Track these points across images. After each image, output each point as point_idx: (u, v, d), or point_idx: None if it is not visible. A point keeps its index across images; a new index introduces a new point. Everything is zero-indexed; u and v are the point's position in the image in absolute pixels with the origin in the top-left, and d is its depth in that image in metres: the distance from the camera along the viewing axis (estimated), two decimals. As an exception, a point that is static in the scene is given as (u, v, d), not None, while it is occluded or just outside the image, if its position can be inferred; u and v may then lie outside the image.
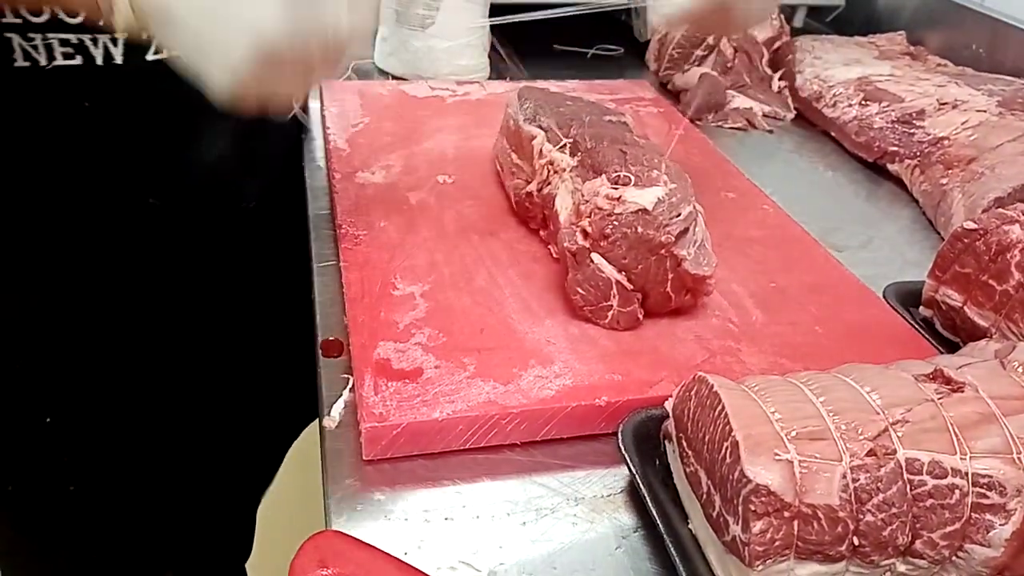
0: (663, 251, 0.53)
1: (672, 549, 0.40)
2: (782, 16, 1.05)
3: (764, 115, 0.96)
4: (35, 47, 0.50)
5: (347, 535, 0.39)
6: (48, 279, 0.61)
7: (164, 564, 0.83)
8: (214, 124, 0.62)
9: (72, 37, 0.51)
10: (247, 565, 1.19)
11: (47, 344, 0.63)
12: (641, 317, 0.55)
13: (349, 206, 0.65)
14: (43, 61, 0.51)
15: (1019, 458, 0.37)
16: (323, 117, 0.80)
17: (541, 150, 0.61)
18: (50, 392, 0.65)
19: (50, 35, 0.50)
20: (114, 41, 0.52)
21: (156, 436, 0.73)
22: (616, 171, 0.55)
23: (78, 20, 0.50)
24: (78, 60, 0.52)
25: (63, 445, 0.67)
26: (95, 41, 0.52)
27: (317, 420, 0.50)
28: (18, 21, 0.49)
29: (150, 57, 0.54)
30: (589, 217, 0.54)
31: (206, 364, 0.74)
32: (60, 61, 0.51)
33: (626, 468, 0.44)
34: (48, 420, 0.65)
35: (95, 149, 0.57)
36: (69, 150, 0.56)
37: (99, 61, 0.53)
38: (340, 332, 0.54)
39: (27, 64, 0.51)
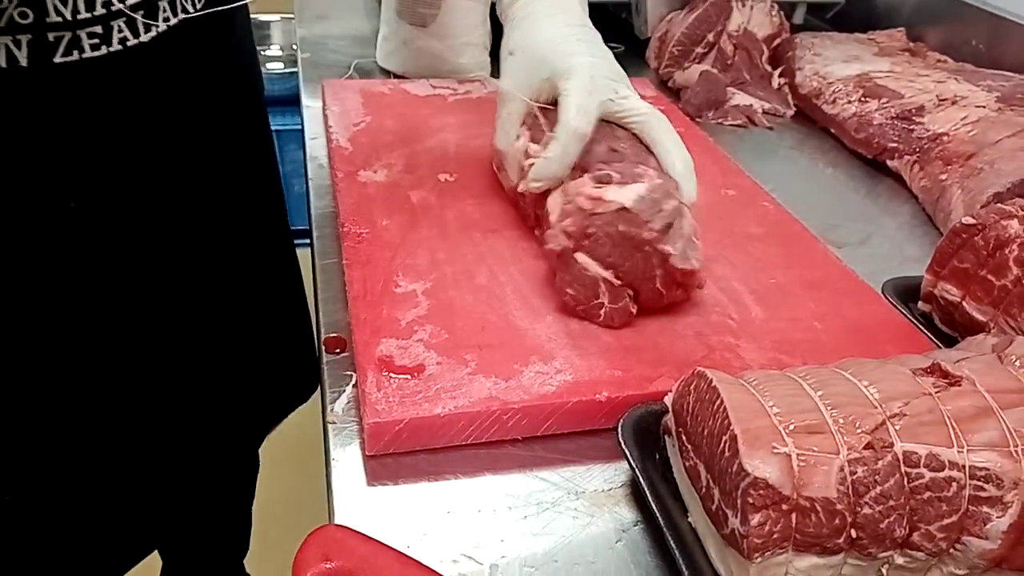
0: (647, 247, 0.53)
1: (672, 542, 0.40)
2: (782, 13, 1.05)
3: (764, 112, 0.96)
4: None
5: (350, 529, 0.39)
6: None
7: (163, 561, 0.83)
8: (129, 126, 0.60)
9: None
10: (245, 561, 1.20)
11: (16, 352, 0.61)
12: (634, 311, 0.55)
13: (351, 204, 0.66)
14: None
15: (1016, 451, 0.38)
16: (325, 116, 0.81)
17: (527, 150, 0.62)
18: (26, 399, 0.64)
19: None
20: (17, 43, 0.50)
21: (142, 435, 0.72)
22: (600, 169, 0.56)
23: None
24: None
25: (51, 447, 0.66)
26: None
27: (319, 414, 0.51)
28: None
29: (57, 60, 0.52)
30: (571, 217, 0.54)
31: (181, 362, 0.73)
32: None
33: (626, 463, 0.45)
34: (29, 425, 0.64)
35: (8, 155, 0.54)
36: None
37: (3, 63, 0.50)
38: (343, 329, 0.55)
39: None
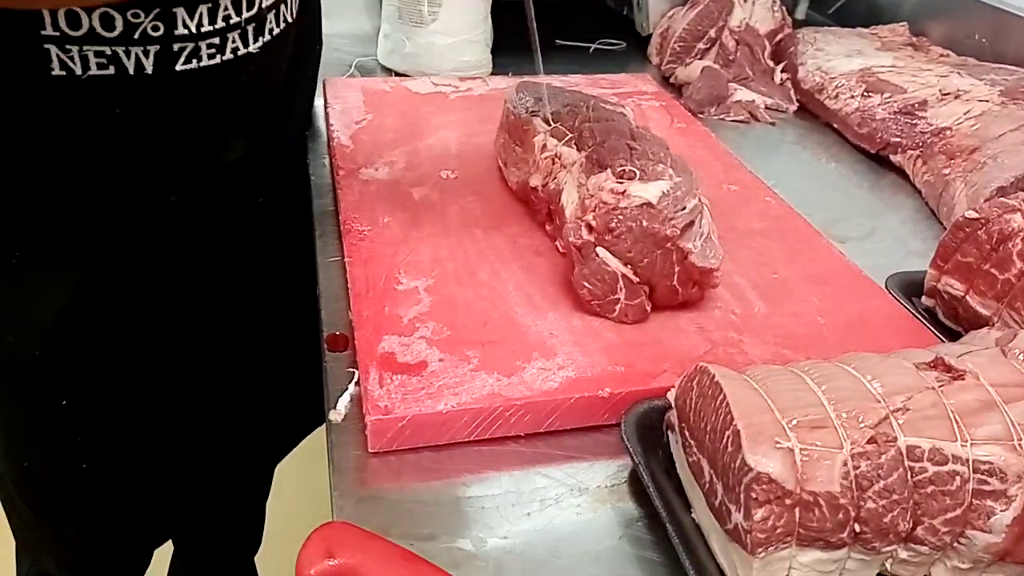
0: (669, 244, 0.53)
1: (675, 538, 0.40)
2: (784, 8, 1.05)
3: (766, 107, 0.96)
4: (72, 58, 0.52)
5: (353, 526, 0.39)
6: (76, 274, 0.63)
7: (175, 552, 0.85)
8: (232, 127, 0.64)
9: (107, 49, 0.53)
10: (255, 559, 1.21)
11: (67, 332, 0.65)
12: (649, 309, 0.55)
13: (353, 202, 0.66)
14: (78, 71, 0.53)
15: (1020, 444, 0.38)
16: (326, 114, 0.81)
17: (545, 145, 0.62)
18: (68, 378, 0.68)
19: (86, 47, 0.52)
20: (146, 53, 0.54)
21: (169, 428, 0.75)
22: (621, 165, 0.56)
23: (114, 34, 0.52)
24: (111, 70, 0.54)
25: (77, 427, 0.70)
26: (128, 53, 0.54)
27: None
28: (56, 34, 0.51)
29: (179, 68, 0.56)
30: (594, 211, 0.54)
31: (222, 358, 0.76)
32: (94, 71, 0.53)
33: (629, 458, 0.45)
34: (64, 403, 0.68)
35: (122, 152, 0.59)
36: (99, 153, 0.58)
37: (131, 71, 0.54)
38: (345, 327, 0.55)
39: (63, 73, 0.53)
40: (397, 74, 0.95)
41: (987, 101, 0.82)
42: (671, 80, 1.02)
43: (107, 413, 0.70)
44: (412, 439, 0.47)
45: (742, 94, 0.96)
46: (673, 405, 0.45)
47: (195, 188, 0.64)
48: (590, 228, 0.54)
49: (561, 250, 0.61)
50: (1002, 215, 0.55)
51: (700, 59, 1.00)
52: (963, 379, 0.40)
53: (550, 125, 0.63)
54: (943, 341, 0.56)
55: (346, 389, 0.50)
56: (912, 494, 0.37)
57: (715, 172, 0.76)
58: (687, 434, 0.43)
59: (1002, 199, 0.57)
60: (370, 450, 0.47)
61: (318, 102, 0.86)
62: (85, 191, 0.60)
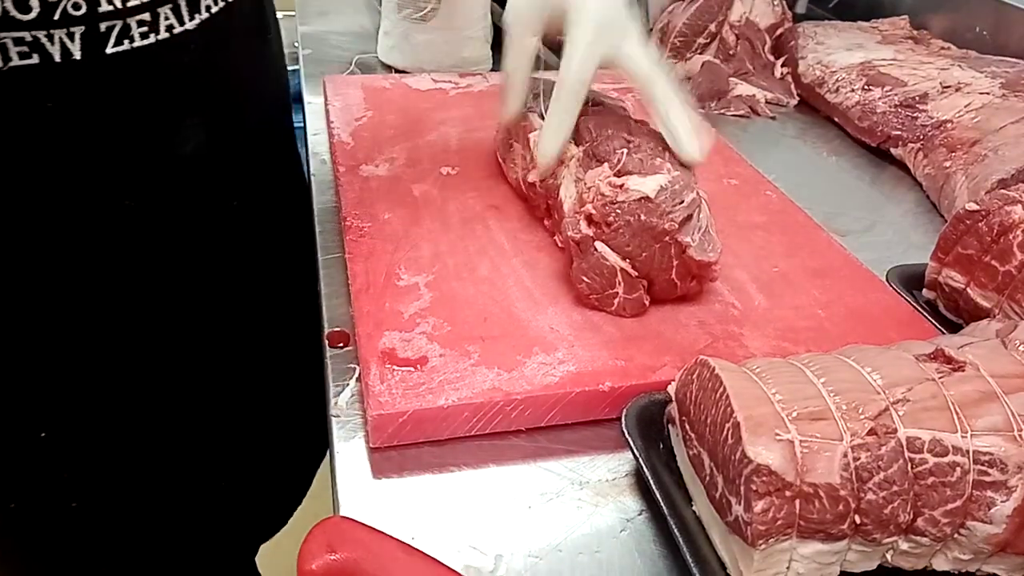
0: (667, 238, 0.53)
1: (676, 531, 0.40)
2: (784, 2, 1.05)
3: (767, 102, 0.96)
4: None
5: (355, 520, 0.39)
6: (28, 290, 0.58)
7: (172, 564, 0.83)
8: (183, 118, 0.60)
9: (26, 35, 0.48)
10: (257, 562, 1.20)
11: (33, 356, 0.61)
12: (647, 302, 0.55)
13: (353, 199, 0.66)
14: None
15: (1020, 435, 0.38)
16: (327, 111, 0.81)
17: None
18: (42, 405, 0.63)
19: (2, 34, 0.48)
20: (71, 36, 0.50)
21: (158, 441, 0.72)
22: (619, 159, 0.56)
23: (31, 16, 0.48)
24: (35, 59, 0.49)
25: (61, 458, 0.66)
26: (51, 38, 0.49)
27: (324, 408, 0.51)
28: None
29: (109, 50, 0.52)
30: (592, 204, 0.54)
31: (204, 364, 0.73)
32: (16, 62, 0.49)
33: (630, 452, 0.45)
34: (43, 435, 0.64)
35: (63, 152, 0.54)
36: (35, 154, 0.53)
37: (57, 58, 0.50)
38: (346, 323, 0.55)
39: None
40: (397, 71, 0.95)
41: (988, 94, 0.82)
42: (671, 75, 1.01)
43: (93, 438, 0.66)
44: (413, 434, 0.47)
45: (742, 88, 0.96)
46: (673, 399, 0.45)
47: (150, 188, 0.59)
48: (588, 222, 0.54)
49: (560, 245, 0.61)
50: (1003, 207, 0.55)
51: (700, 54, 0.99)
52: (963, 370, 0.40)
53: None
54: (944, 333, 0.56)
55: (347, 385, 0.50)
56: (912, 485, 0.37)
57: (715, 166, 0.76)
58: (687, 427, 0.43)
59: (1003, 191, 0.57)
60: (371, 445, 0.47)
61: (318, 100, 0.86)
62: (23, 199, 0.55)
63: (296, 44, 1.05)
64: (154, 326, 0.66)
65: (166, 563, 0.79)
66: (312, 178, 0.74)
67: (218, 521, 0.84)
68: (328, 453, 0.48)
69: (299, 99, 0.91)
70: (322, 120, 0.81)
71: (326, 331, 0.55)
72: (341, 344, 0.54)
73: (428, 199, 0.67)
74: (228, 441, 0.79)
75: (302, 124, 0.85)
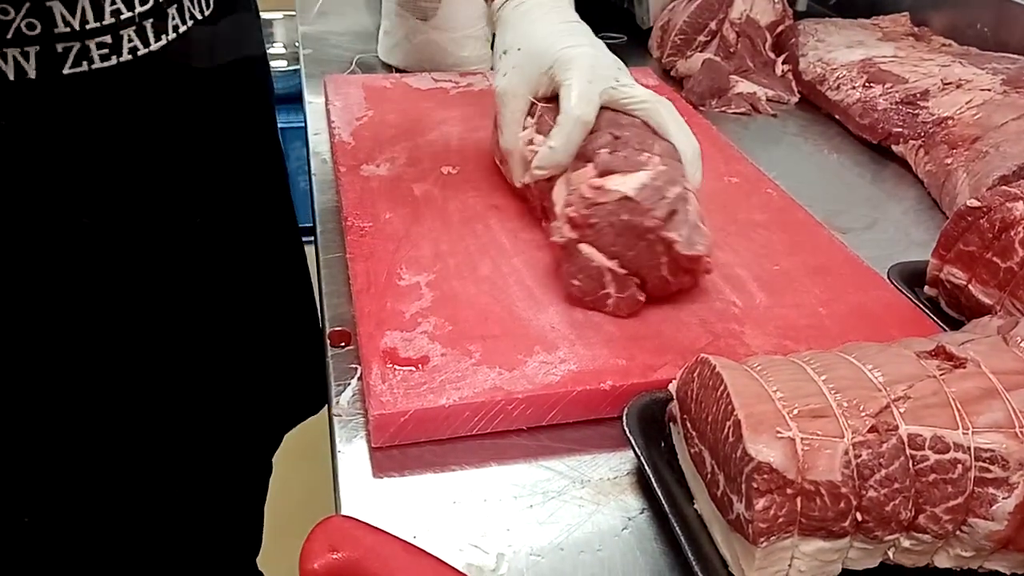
0: (651, 236, 0.53)
1: (677, 529, 0.40)
2: (784, 0, 1.05)
3: (768, 99, 0.96)
4: None
5: (356, 520, 0.39)
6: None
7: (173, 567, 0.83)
8: (140, 137, 0.59)
9: None
10: (258, 560, 1.20)
11: (27, 365, 0.60)
12: (642, 299, 0.55)
13: (354, 198, 0.66)
14: None
15: (1021, 432, 0.38)
16: (327, 111, 0.81)
17: (531, 139, 0.61)
18: (44, 413, 0.63)
19: None
20: (25, 55, 0.49)
21: (158, 446, 0.71)
22: (603, 158, 0.55)
23: None
24: None
25: (61, 467, 0.66)
26: (3, 56, 0.48)
27: (325, 410, 0.51)
28: None
29: (67, 71, 0.51)
30: (573, 207, 0.54)
31: (194, 368, 0.72)
32: None
33: (631, 451, 0.45)
34: (42, 445, 0.63)
35: (17, 168, 0.53)
36: None
37: (11, 76, 0.49)
38: (347, 323, 0.55)
39: None
40: (398, 70, 0.95)
41: (989, 90, 0.82)
42: (672, 73, 1.01)
43: (85, 447, 0.65)
44: (414, 433, 0.47)
45: (743, 86, 0.96)
46: (675, 397, 0.45)
47: (110, 205, 0.58)
48: (571, 225, 0.54)
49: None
50: (1004, 203, 0.55)
51: (701, 52, 0.99)
52: (964, 367, 0.40)
53: (537, 120, 0.63)
54: (945, 331, 0.56)
55: (349, 384, 0.51)
56: (914, 482, 0.37)
57: (716, 164, 0.75)
58: (689, 425, 0.43)
59: (1004, 187, 0.57)
60: (373, 445, 0.47)
61: (319, 99, 0.86)
62: None
63: (296, 44, 1.05)
64: (130, 338, 0.65)
65: (168, 566, 0.79)
66: (313, 178, 0.74)
67: (220, 525, 0.84)
68: (330, 453, 0.48)
69: (300, 99, 0.91)
70: (323, 120, 0.82)
71: (327, 331, 0.55)
72: (343, 344, 0.54)
73: (429, 198, 0.67)
74: (228, 444, 0.80)
75: (303, 124, 0.85)
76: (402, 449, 0.47)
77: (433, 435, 0.48)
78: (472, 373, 0.49)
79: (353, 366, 0.52)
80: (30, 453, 0.65)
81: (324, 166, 0.75)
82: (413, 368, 0.49)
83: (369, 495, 0.45)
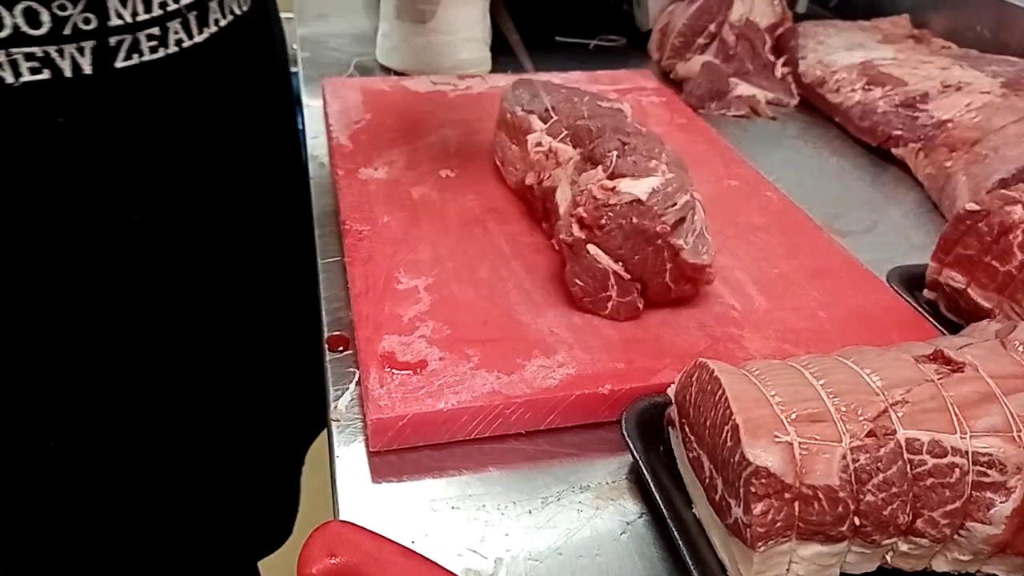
0: (659, 241, 0.53)
1: (676, 534, 0.40)
2: (784, 2, 1.05)
3: (767, 102, 0.96)
4: (0, 64, 0.49)
5: (355, 525, 0.39)
6: (36, 301, 0.59)
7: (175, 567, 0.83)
8: (185, 130, 0.60)
9: (37, 50, 0.49)
10: (259, 563, 1.20)
11: (40, 365, 0.61)
12: (641, 306, 0.55)
13: (352, 202, 0.66)
14: (9, 78, 0.49)
15: (1019, 436, 0.38)
16: (325, 114, 0.81)
17: (540, 142, 0.62)
18: (50, 413, 0.64)
19: (14, 50, 0.48)
20: (81, 51, 0.50)
21: (161, 448, 0.72)
22: (613, 162, 0.55)
23: (43, 31, 0.49)
24: (46, 74, 0.50)
25: (66, 466, 0.67)
26: (61, 52, 0.50)
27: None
28: None
29: (119, 64, 0.52)
30: (584, 207, 0.54)
31: (210, 373, 0.73)
32: (27, 77, 0.49)
33: (630, 455, 0.45)
34: (52, 443, 0.64)
35: (73, 166, 0.55)
36: (46, 169, 0.54)
37: (68, 73, 0.51)
38: (345, 327, 0.55)
39: None
40: (396, 73, 0.95)
41: (988, 93, 0.82)
42: (671, 76, 1.01)
43: (99, 446, 0.67)
44: (413, 438, 0.47)
45: (743, 89, 0.96)
46: (673, 401, 0.45)
47: (159, 201, 0.60)
48: (580, 225, 0.54)
49: (558, 248, 0.61)
50: (1003, 207, 0.55)
51: (700, 54, 0.99)
52: (962, 371, 0.40)
53: (545, 123, 0.63)
54: (944, 334, 0.56)
55: (347, 389, 0.51)
56: (911, 487, 0.37)
57: (716, 167, 0.75)
58: (687, 429, 0.43)
59: (1003, 191, 0.57)
60: (371, 449, 0.47)
61: (317, 102, 0.86)
62: (34, 212, 0.55)
63: (295, 47, 1.05)
64: (164, 335, 0.66)
65: (169, 569, 0.79)
66: (311, 181, 0.74)
67: (219, 528, 0.85)
68: (328, 457, 0.48)
69: (298, 102, 0.91)
70: (321, 123, 0.82)
71: (326, 335, 0.55)
72: (341, 348, 0.54)
73: (427, 202, 0.67)
74: (228, 448, 0.80)
75: (301, 127, 0.85)
76: (400, 453, 0.47)
77: (431, 439, 0.48)
78: (470, 377, 0.49)
79: (351, 370, 0.52)
80: (46, 447, 0.66)
81: (322, 169, 0.75)
82: (411, 372, 0.49)
83: (367, 500, 0.45)
